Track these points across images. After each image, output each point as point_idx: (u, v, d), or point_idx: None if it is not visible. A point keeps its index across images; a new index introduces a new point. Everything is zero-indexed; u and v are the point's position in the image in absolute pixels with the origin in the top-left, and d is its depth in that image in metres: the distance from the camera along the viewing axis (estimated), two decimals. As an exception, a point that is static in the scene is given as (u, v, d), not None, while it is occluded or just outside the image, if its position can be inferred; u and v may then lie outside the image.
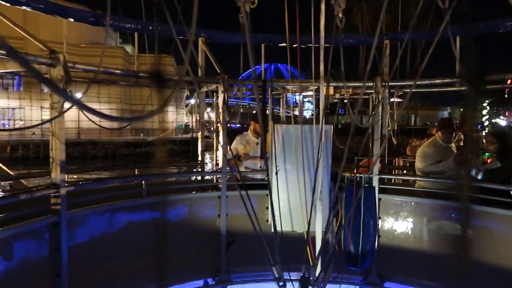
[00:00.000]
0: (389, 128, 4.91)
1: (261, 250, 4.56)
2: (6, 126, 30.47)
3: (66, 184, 3.41)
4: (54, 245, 3.35)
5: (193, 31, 1.94)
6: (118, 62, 34.32)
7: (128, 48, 39.88)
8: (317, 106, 4.72)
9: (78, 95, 4.33)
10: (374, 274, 4.42)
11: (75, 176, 6.01)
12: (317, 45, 3.57)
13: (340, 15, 3.10)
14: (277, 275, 3.01)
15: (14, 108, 31.49)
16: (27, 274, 3.19)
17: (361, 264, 4.27)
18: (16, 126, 30.05)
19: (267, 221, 4.65)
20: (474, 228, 4.01)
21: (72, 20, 4.27)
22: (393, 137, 5.64)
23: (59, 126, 3.32)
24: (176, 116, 38.54)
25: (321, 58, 3.50)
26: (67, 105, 3.24)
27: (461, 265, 3.51)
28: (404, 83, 4.28)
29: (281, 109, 6.01)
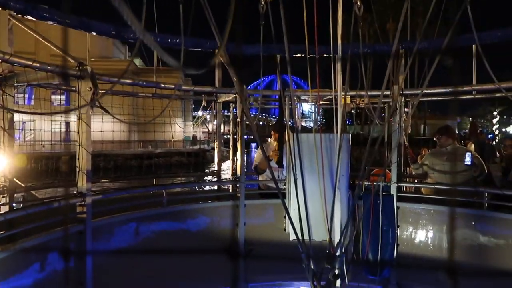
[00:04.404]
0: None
1: (279, 259, 4.59)
2: (18, 138, 30.86)
3: (92, 193, 3.49)
4: (79, 253, 3.41)
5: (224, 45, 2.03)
6: (127, 75, 34.78)
7: (136, 61, 40.45)
8: (329, 116, 4.79)
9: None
10: (394, 284, 4.41)
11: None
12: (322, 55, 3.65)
13: (358, 3, 3.18)
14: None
15: (24, 122, 31.99)
16: (52, 281, 3.24)
17: (380, 273, 4.27)
18: (27, 138, 30.45)
19: (285, 230, 4.69)
20: (496, 236, 4.02)
21: (94, 34, 4.40)
22: (407, 145, 5.70)
23: (86, 137, 3.41)
24: (184, 128, 38.78)
25: (338, 67, 3.57)
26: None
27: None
28: (421, 91, 4.34)
29: (295, 119, 6.07)
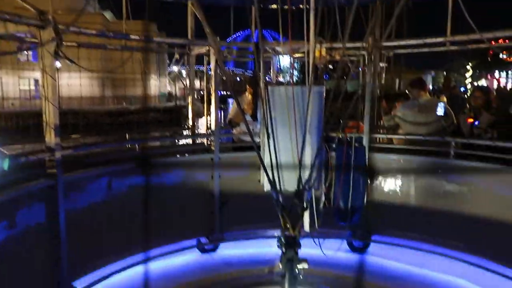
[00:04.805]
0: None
1: (254, 209, 4.71)
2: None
3: (61, 148, 3.42)
4: (51, 208, 3.39)
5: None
6: (97, 28, 33.14)
7: (107, 15, 38.45)
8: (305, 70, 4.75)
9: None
10: (363, 229, 4.62)
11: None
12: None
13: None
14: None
15: (-11, 79, 30.48)
16: (25, 236, 3.24)
17: (350, 219, 4.46)
18: (-6, 96, 29.23)
19: (259, 181, 4.77)
20: (460, 183, 4.21)
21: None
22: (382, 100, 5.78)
23: (52, 91, 3.29)
24: (159, 84, 37.95)
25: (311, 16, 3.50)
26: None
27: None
28: (397, 43, 4.33)
29: (271, 73, 6.01)
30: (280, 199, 2.56)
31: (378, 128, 6.75)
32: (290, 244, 2.50)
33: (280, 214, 2.55)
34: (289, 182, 4.13)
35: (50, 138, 3.35)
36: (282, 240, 2.54)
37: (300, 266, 2.50)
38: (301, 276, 2.52)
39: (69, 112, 29.61)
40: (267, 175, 3.36)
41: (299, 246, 2.54)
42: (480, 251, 4.05)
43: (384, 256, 4.47)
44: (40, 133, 3.47)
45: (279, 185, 2.65)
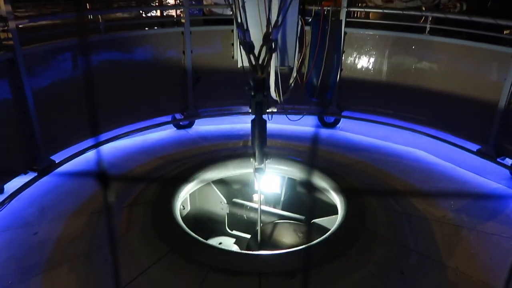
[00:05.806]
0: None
1: (227, 86, 4.67)
2: None
3: (15, 17, 3.11)
4: (15, 82, 3.24)
5: None
6: None
7: None
8: None
9: None
10: (334, 105, 4.75)
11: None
12: None
13: None
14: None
15: None
16: None
17: (323, 95, 4.52)
18: None
19: (233, 57, 4.65)
20: (431, 61, 4.24)
21: None
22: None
23: None
24: None
25: None
26: None
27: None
28: None
29: None
30: (247, 38, 2.45)
31: (357, 1, 6.45)
32: (259, 87, 2.48)
33: (247, 56, 2.46)
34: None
35: (0, 6, 3.02)
36: (251, 84, 2.51)
37: (269, 110, 2.54)
38: (269, 119, 2.56)
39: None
40: (237, 23, 3.12)
41: (267, 89, 2.54)
42: (441, 124, 4.29)
43: (353, 130, 4.69)
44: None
45: (246, 24, 2.51)
